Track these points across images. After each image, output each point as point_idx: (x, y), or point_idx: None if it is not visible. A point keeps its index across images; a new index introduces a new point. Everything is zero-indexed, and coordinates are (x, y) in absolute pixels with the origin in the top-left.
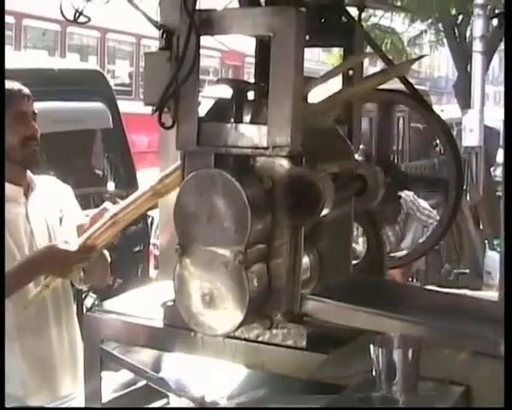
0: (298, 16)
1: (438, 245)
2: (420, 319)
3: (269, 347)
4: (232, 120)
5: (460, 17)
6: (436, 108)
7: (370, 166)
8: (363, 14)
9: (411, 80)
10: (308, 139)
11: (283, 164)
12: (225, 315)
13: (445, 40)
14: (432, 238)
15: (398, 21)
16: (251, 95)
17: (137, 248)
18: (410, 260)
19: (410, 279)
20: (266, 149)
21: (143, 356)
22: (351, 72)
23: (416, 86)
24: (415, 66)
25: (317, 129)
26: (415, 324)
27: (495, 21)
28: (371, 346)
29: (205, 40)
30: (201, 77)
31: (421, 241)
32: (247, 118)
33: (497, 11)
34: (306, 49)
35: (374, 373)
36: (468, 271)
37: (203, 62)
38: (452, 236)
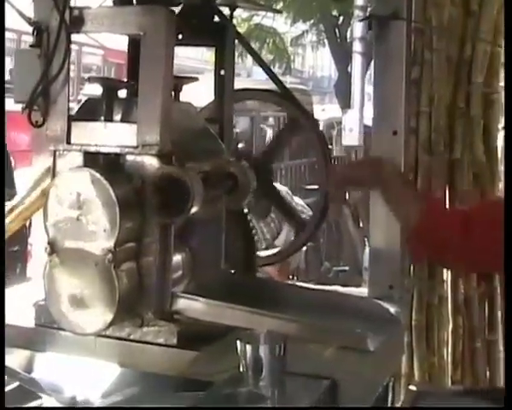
0: (168, 16)
1: (315, 242)
2: (288, 316)
3: (140, 345)
4: (102, 118)
5: (341, 18)
6: (317, 108)
7: (241, 165)
8: (246, 14)
9: (294, 80)
10: (178, 138)
11: (153, 163)
12: (95, 314)
13: (326, 41)
14: (303, 236)
15: (280, 21)
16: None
17: (15, 248)
18: (281, 258)
19: (289, 277)
20: (136, 147)
21: (17, 357)
22: (222, 71)
23: (299, 86)
24: (298, 65)
25: (188, 128)
26: (282, 320)
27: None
28: (238, 342)
29: (86, 38)
30: (84, 74)
31: (292, 239)
32: (117, 116)
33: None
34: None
35: (241, 369)
36: (347, 268)
37: (86, 60)
38: (332, 233)
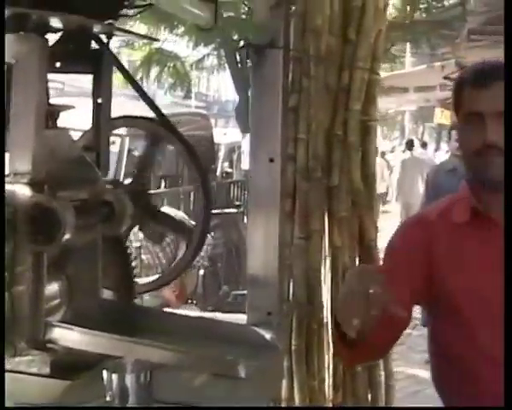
0: (40, 43)
1: (212, 267)
2: (160, 343)
3: (14, 375)
4: None
5: (241, 43)
6: (220, 131)
7: (117, 192)
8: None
9: (199, 103)
10: (52, 166)
11: (24, 191)
12: None
13: (226, 65)
14: (183, 261)
15: (182, 45)
16: None
17: None
18: (161, 283)
19: (188, 301)
20: (8, 175)
21: None
22: (99, 99)
23: (203, 110)
24: (203, 89)
25: (63, 156)
26: (153, 347)
27: None
28: (104, 371)
29: None
30: None
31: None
32: None
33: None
34: None
35: (108, 398)
36: (246, 292)
37: None
38: (231, 258)
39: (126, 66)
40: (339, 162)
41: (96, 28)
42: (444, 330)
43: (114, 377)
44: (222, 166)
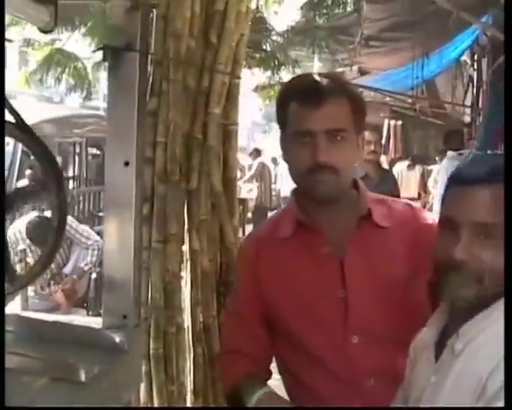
0: None
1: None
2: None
3: None
4: None
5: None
6: None
7: None
8: (48, 38)
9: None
10: None
11: None
12: None
13: None
14: (38, 265)
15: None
16: None
17: None
18: (19, 286)
19: (82, 305)
20: None
21: None
22: None
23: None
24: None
25: None
26: None
27: None
28: None
29: None
30: None
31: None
32: None
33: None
34: None
35: None
36: None
37: None
38: None
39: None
40: (198, 166)
41: None
42: (279, 346)
43: None
44: None
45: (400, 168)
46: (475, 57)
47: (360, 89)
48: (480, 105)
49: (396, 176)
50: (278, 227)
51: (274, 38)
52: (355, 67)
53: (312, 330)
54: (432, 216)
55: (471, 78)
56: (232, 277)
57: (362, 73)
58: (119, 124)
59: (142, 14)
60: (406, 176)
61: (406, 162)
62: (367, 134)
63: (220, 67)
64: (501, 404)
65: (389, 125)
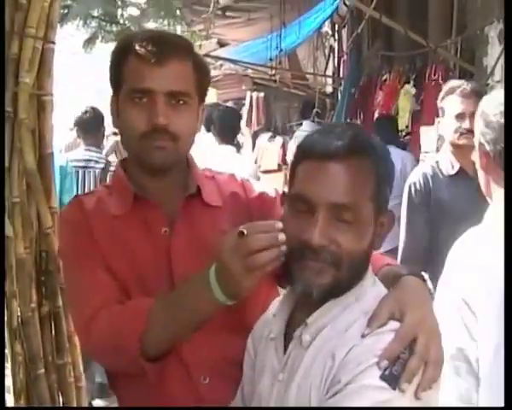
0: None
1: None
2: None
3: None
4: None
5: None
6: None
7: None
8: None
9: None
10: None
11: None
12: None
13: None
14: None
15: None
16: None
17: None
18: None
19: None
20: None
21: None
22: None
23: None
24: None
25: None
26: None
27: None
28: None
29: None
30: None
31: None
32: None
33: None
34: None
35: None
36: None
37: None
38: None
39: None
40: (9, 142)
41: None
42: None
43: None
44: None
45: (262, 140)
46: (336, 27)
47: (220, 61)
48: (340, 75)
49: (257, 148)
50: (109, 204)
51: (129, 10)
52: (214, 40)
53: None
54: (260, 186)
55: (332, 48)
56: (52, 265)
57: (221, 44)
58: None
59: None
60: (268, 147)
61: (268, 134)
62: None
63: (31, 30)
64: (357, 403)
65: (251, 97)
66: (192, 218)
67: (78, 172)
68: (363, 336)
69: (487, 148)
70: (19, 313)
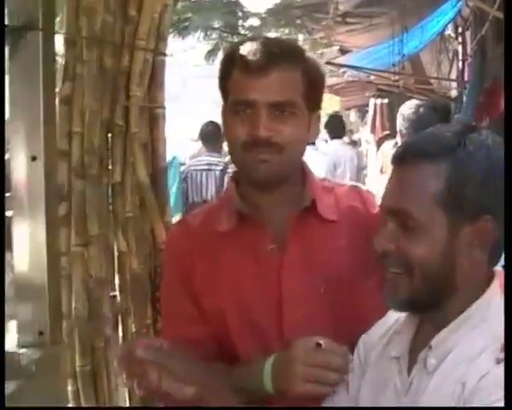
0: None
1: None
2: None
3: None
4: None
5: None
6: None
7: None
8: None
9: None
10: None
11: None
12: None
13: None
14: None
15: None
16: None
17: None
18: None
19: None
20: None
21: None
22: None
23: None
24: None
25: None
26: None
27: None
28: None
29: None
30: None
31: None
32: None
33: None
34: None
35: None
36: None
37: None
38: None
39: None
40: (121, 156)
41: None
42: None
43: None
44: None
45: (388, 147)
46: (459, 30)
47: (343, 68)
48: (465, 79)
49: (381, 155)
50: (215, 218)
51: (250, 21)
52: (336, 47)
53: (246, 335)
54: None
55: (455, 51)
56: None
57: (342, 51)
58: (22, 115)
59: None
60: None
61: (394, 141)
62: None
63: (141, 43)
64: None
65: (375, 104)
66: (304, 233)
67: (201, 174)
68: (498, 362)
69: None
70: (133, 330)
